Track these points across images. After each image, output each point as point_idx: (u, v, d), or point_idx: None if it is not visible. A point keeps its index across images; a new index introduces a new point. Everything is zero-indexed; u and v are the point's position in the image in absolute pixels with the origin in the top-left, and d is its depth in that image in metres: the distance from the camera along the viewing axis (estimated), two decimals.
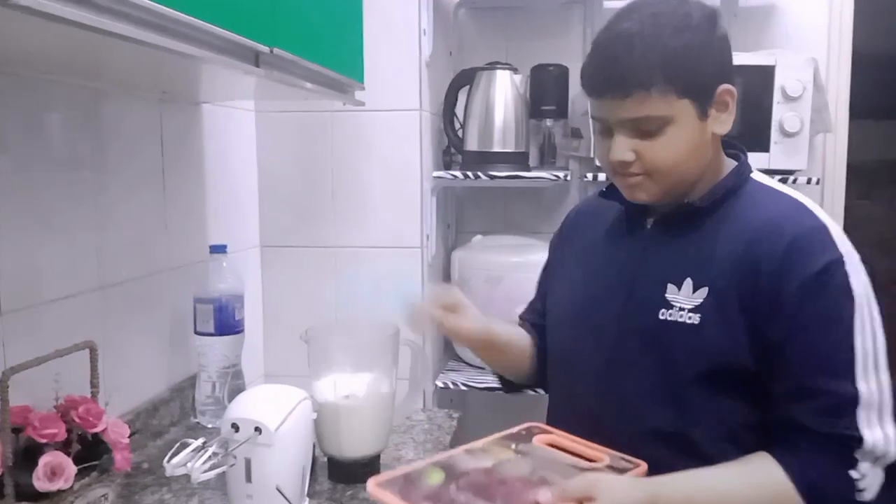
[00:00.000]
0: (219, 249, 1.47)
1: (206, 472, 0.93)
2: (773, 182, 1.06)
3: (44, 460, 0.94)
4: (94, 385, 1.09)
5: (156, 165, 1.43)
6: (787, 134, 1.73)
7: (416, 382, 1.42)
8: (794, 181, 1.71)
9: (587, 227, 1.17)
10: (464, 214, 2.15)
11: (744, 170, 1.05)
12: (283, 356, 1.79)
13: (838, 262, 0.93)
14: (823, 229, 0.96)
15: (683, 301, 0.97)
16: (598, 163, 1.00)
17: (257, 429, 1.02)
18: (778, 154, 1.74)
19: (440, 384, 1.81)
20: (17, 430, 0.96)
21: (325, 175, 1.77)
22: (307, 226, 1.79)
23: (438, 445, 1.43)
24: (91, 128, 1.25)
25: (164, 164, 1.45)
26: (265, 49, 1.03)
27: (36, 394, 1.02)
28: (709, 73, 0.97)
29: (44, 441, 0.96)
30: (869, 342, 0.92)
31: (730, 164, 1.06)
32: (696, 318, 0.96)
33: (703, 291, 0.97)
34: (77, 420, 1.02)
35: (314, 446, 1.20)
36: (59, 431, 0.98)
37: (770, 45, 1.96)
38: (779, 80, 1.72)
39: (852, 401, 0.90)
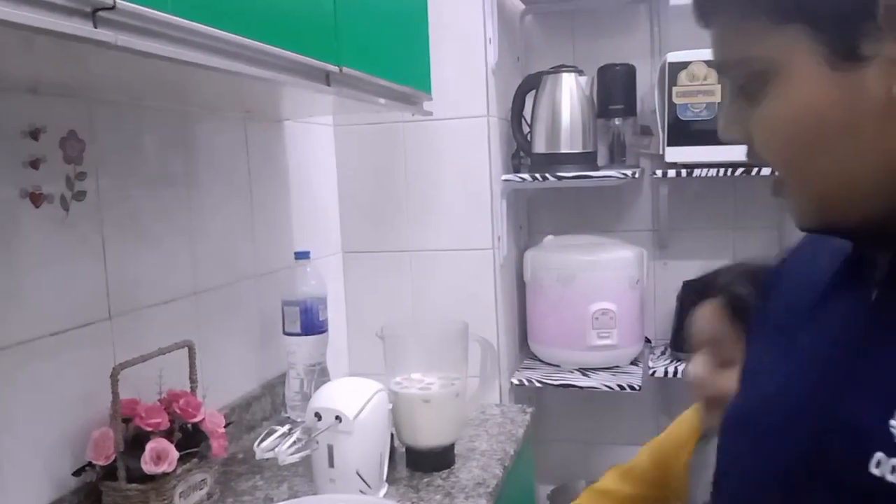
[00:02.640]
0: (303, 255, 1.58)
1: (291, 454, 1.02)
2: None
3: (150, 446, 1.05)
4: (192, 380, 1.21)
5: (243, 179, 1.55)
6: None
7: (488, 377, 1.48)
8: None
9: (804, 271, 0.67)
10: (536, 216, 2.20)
11: None
12: (365, 354, 1.88)
13: None
14: None
15: None
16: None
17: (338, 417, 1.10)
18: None
19: (515, 381, 1.87)
20: (126, 420, 1.08)
21: (400, 182, 1.86)
22: (384, 231, 1.88)
23: (511, 438, 1.49)
24: (182, 147, 1.37)
25: (251, 178, 1.57)
26: (335, 69, 1.12)
27: (142, 388, 1.15)
28: None
29: (150, 429, 1.08)
30: None
31: None
32: None
33: None
34: (178, 411, 1.13)
35: (392, 436, 1.28)
36: (162, 421, 1.09)
37: None
38: None
39: None
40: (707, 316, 0.99)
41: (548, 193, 2.15)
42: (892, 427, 0.48)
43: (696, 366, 0.98)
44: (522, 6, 2.09)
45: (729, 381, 0.87)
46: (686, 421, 1.14)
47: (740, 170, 1.77)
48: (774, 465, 0.57)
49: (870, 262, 0.57)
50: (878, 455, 0.48)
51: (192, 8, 0.78)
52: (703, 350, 0.99)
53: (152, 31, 0.74)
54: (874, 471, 0.48)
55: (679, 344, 1.95)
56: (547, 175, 1.84)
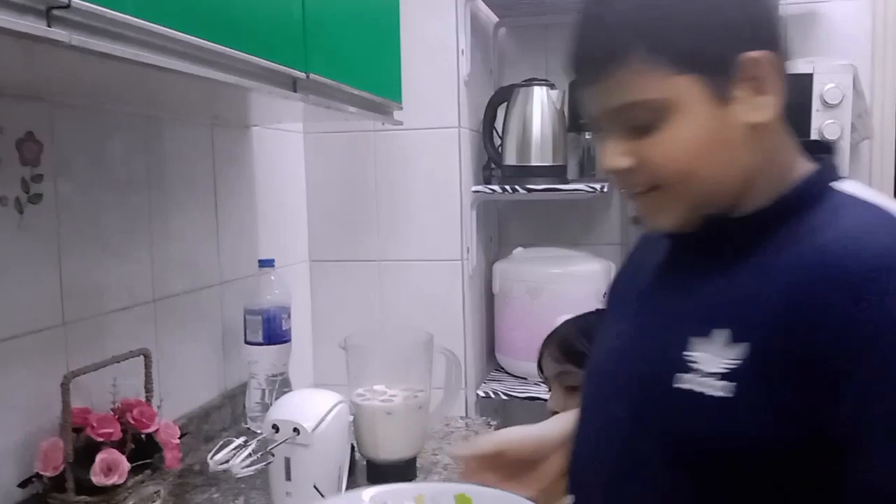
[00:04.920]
0: (267, 264, 1.56)
1: (245, 467, 0.99)
2: (876, 195, 0.72)
3: (100, 457, 1.02)
4: (148, 389, 1.18)
5: (208, 185, 1.53)
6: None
7: (452, 389, 1.47)
8: None
9: (642, 257, 0.90)
10: (507, 227, 2.19)
11: (822, 176, 0.73)
12: (330, 365, 1.86)
13: None
14: None
15: (709, 362, 0.67)
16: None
17: (296, 429, 1.08)
18: None
19: (482, 393, 1.86)
20: (77, 430, 1.05)
21: (370, 192, 1.84)
22: (353, 240, 1.86)
23: None
24: (147, 152, 1.34)
25: (216, 184, 1.55)
26: (302, 75, 1.11)
27: (95, 397, 1.12)
28: (720, 35, 0.69)
29: (101, 440, 1.04)
30: None
31: (807, 170, 0.74)
32: (725, 390, 0.66)
33: (742, 349, 0.66)
34: (132, 421, 1.10)
35: (353, 449, 1.26)
36: (114, 431, 1.06)
37: (812, 53, 1.95)
38: (817, 88, 1.72)
39: None
40: (550, 358, 1.30)
41: (518, 205, 2.15)
42: (685, 353, 0.69)
43: (551, 398, 1.28)
44: (496, 18, 2.09)
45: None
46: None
47: None
48: (619, 412, 0.76)
49: (681, 247, 0.79)
50: (677, 374, 0.69)
51: (154, 10, 0.77)
52: (554, 385, 1.30)
53: (110, 31, 0.73)
54: (676, 385, 0.69)
55: None
56: (517, 187, 1.83)
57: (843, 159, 1.72)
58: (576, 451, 0.84)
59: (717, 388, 0.66)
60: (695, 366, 0.68)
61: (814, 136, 1.72)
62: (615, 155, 0.73)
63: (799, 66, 1.74)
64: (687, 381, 0.68)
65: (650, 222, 0.77)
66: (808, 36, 1.97)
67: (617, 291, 0.93)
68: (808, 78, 1.72)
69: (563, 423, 0.92)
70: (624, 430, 0.75)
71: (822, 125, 1.71)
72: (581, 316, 1.41)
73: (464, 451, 0.91)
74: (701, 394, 0.67)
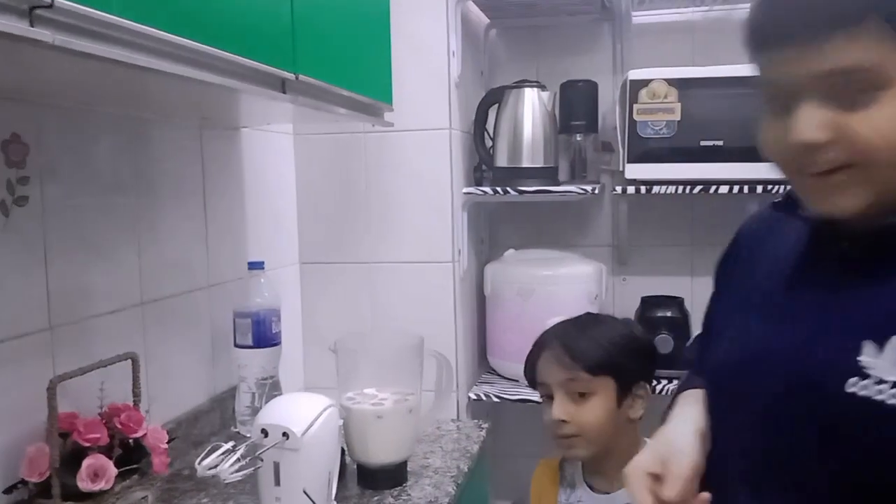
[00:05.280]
0: (256, 266, 1.54)
1: (234, 473, 0.98)
2: None
3: (87, 462, 1.01)
4: (135, 394, 1.17)
5: (197, 188, 1.51)
6: None
7: (443, 392, 1.46)
8: None
9: (759, 248, 0.86)
10: (498, 229, 2.19)
11: None
12: (321, 368, 1.84)
13: None
14: None
15: (887, 369, 0.64)
16: (765, 154, 0.73)
17: (285, 434, 1.07)
18: None
19: (473, 396, 1.85)
20: (64, 435, 1.04)
21: (361, 193, 1.83)
22: (343, 242, 1.85)
23: (466, 454, 1.47)
24: (135, 154, 1.33)
25: (205, 186, 1.54)
26: (290, 76, 1.10)
27: (82, 402, 1.11)
28: None
29: (87, 445, 1.03)
30: None
31: None
32: None
33: None
34: (119, 426, 1.09)
35: (343, 453, 1.25)
36: (101, 436, 1.05)
37: None
38: None
39: None
40: (555, 364, 1.27)
41: (509, 207, 2.15)
42: (860, 358, 0.65)
43: (557, 407, 1.25)
44: (487, 20, 2.09)
45: (589, 413, 1.25)
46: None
47: (698, 188, 1.78)
48: (768, 407, 0.72)
49: (831, 235, 0.72)
50: (851, 379, 0.65)
51: (140, 9, 0.76)
52: (558, 392, 1.27)
53: (94, 31, 0.72)
54: (848, 391, 0.65)
55: None
56: (508, 189, 1.83)
57: None
58: (715, 448, 0.81)
59: (894, 397, 0.63)
60: (871, 372, 0.65)
61: None
62: (812, 126, 0.66)
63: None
64: (862, 388, 0.65)
65: (825, 205, 0.70)
66: None
67: (735, 278, 0.88)
68: None
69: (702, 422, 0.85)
70: (773, 428, 0.73)
71: None
72: (577, 320, 1.39)
73: (674, 490, 0.77)
74: (880, 402, 0.64)
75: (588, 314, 1.45)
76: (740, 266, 0.88)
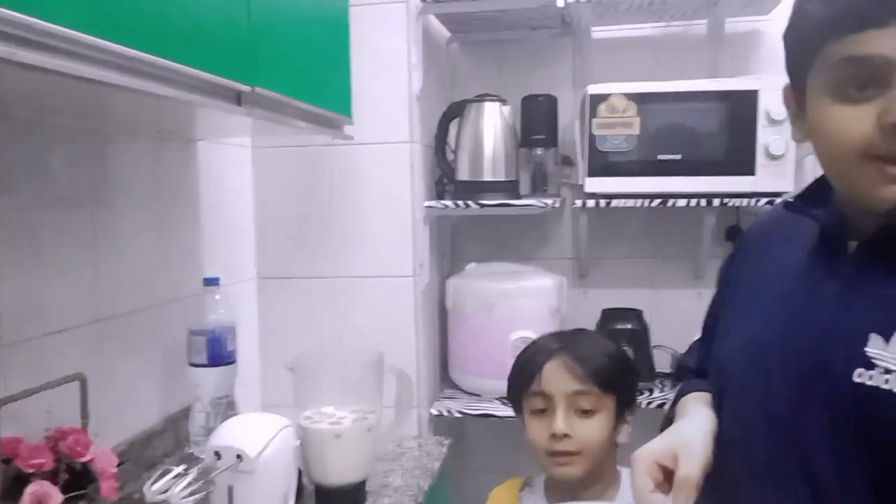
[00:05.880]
0: (211, 282, 1.51)
1: (185, 497, 0.95)
2: None
3: (30, 490, 0.96)
4: (84, 416, 1.12)
5: (152, 201, 1.48)
6: (772, 157, 1.75)
7: (404, 409, 1.44)
8: None
9: (769, 247, 0.89)
10: (460, 243, 2.18)
11: None
12: (279, 387, 1.80)
13: None
14: None
15: (894, 360, 0.67)
16: (828, 145, 0.75)
17: (238, 456, 1.04)
18: (764, 177, 1.76)
19: (434, 412, 1.83)
20: (7, 461, 1.00)
21: (321, 207, 1.81)
22: (303, 257, 1.82)
23: (427, 472, 1.45)
24: (90, 167, 1.29)
25: (161, 199, 1.50)
26: (247, 88, 1.07)
27: (29, 425, 1.06)
28: None
29: (31, 471, 0.99)
30: None
31: None
32: None
33: None
34: (66, 450, 1.05)
35: (300, 474, 1.22)
36: (46, 461, 1.01)
37: (758, 70, 1.99)
38: (762, 105, 1.75)
39: None
40: (568, 375, 1.21)
41: (471, 221, 2.14)
42: (867, 349, 0.68)
43: (561, 419, 1.20)
44: (449, 34, 2.09)
45: (593, 431, 1.21)
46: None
47: (657, 201, 1.80)
48: (778, 397, 0.75)
49: (839, 234, 0.76)
50: (859, 370, 0.68)
51: (90, 21, 0.73)
52: (561, 404, 1.21)
53: (42, 43, 0.69)
54: (857, 380, 0.68)
55: None
56: (470, 202, 1.82)
57: (787, 175, 1.75)
58: (723, 435, 0.83)
59: None
60: (879, 363, 0.68)
61: (760, 151, 1.75)
62: None
63: (744, 82, 1.78)
64: (871, 378, 0.68)
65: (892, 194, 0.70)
66: (753, 53, 2.02)
67: (744, 276, 0.90)
68: (754, 94, 1.75)
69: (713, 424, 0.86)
70: (782, 413, 0.75)
71: (768, 141, 1.74)
72: (574, 333, 1.36)
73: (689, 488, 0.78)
74: (889, 391, 0.66)
75: (578, 329, 1.41)
76: (749, 265, 0.91)
